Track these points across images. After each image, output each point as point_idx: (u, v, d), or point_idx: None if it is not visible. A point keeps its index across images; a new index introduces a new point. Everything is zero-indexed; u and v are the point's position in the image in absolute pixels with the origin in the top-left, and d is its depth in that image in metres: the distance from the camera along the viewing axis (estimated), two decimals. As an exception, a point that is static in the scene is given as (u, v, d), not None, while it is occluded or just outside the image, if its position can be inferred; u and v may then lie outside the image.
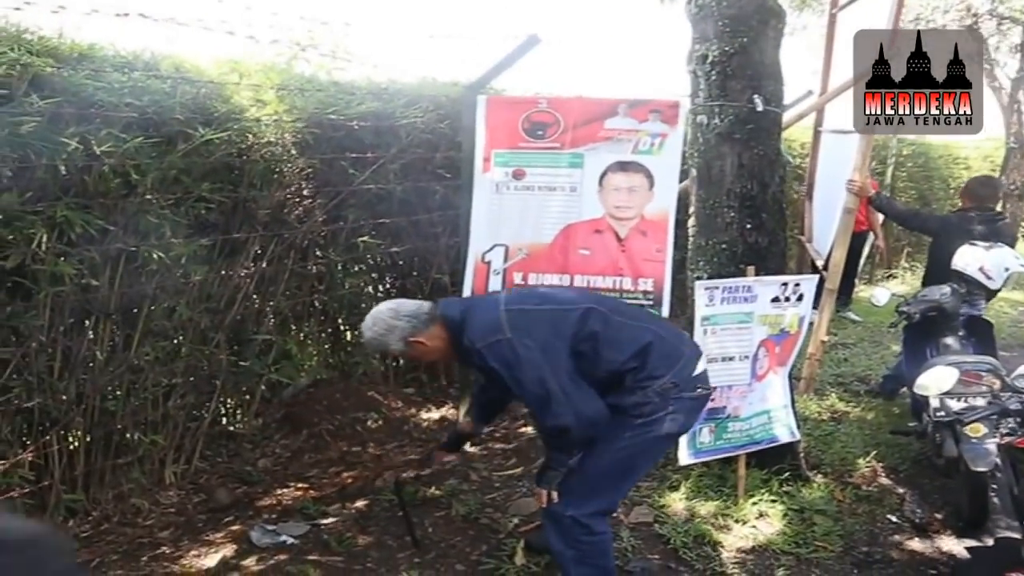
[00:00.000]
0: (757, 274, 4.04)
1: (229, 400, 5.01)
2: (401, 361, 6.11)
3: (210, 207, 4.16)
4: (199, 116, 3.95)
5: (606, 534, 3.07)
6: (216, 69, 4.28)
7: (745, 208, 4.15)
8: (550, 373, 2.78)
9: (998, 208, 6.24)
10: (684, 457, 4.07)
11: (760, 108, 4.02)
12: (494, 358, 2.81)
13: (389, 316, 2.98)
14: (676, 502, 4.21)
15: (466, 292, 4.22)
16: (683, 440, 4.03)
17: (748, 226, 4.16)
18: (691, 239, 4.36)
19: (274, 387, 5.20)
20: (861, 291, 9.74)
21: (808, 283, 4.16)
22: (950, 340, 4.82)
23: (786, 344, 4.21)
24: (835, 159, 6.11)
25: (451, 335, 2.96)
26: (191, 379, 4.44)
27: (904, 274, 11.40)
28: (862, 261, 9.58)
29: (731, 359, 4.01)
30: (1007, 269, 4.88)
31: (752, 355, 4.06)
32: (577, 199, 4.01)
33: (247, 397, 5.05)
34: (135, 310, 4.06)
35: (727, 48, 4.04)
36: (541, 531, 3.42)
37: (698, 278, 4.15)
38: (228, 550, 3.87)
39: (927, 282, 5.56)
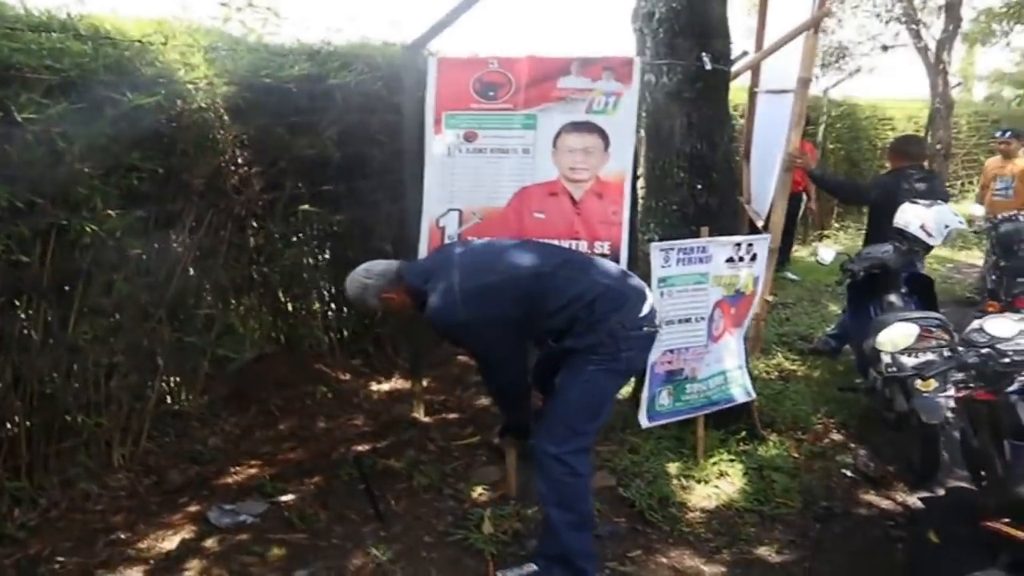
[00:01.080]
0: (710, 235, 4.02)
1: (174, 378, 4.81)
2: (346, 333, 5.99)
3: (142, 177, 3.93)
4: (125, 81, 3.70)
5: (585, 476, 3.22)
6: (139, 30, 4.03)
7: (695, 168, 4.12)
8: (489, 350, 3.25)
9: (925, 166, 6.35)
10: (644, 420, 4.06)
11: (709, 66, 3.99)
12: (450, 333, 3.29)
13: (362, 275, 3.36)
14: (637, 465, 4.21)
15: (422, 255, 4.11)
16: (642, 404, 4.03)
17: (699, 187, 4.14)
18: (641, 201, 4.31)
19: (219, 363, 5.01)
20: (796, 251, 9.90)
21: (761, 243, 4.17)
22: (893, 297, 4.89)
23: (741, 305, 4.21)
24: (770, 120, 6.12)
25: (415, 300, 3.28)
26: (133, 357, 4.24)
27: (837, 234, 11.64)
28: (797, 222, 9.71)
29: (688, 320, 4.01)
30: (947, 226, 4.95)
31: (708, 316, 4.05)
32: (531, 161, 3.91)
33: (192, 374, 4.86)
34: (70, 287, 3.83)
35: (674, 4, 3.97)
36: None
37: (649, 240, 4.12)
38: (187, 532, 3.74)
39: (868, 241, 5.64)
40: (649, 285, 3.81)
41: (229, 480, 4.28)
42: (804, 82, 4.62)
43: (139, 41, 3.84)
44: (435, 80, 4.08)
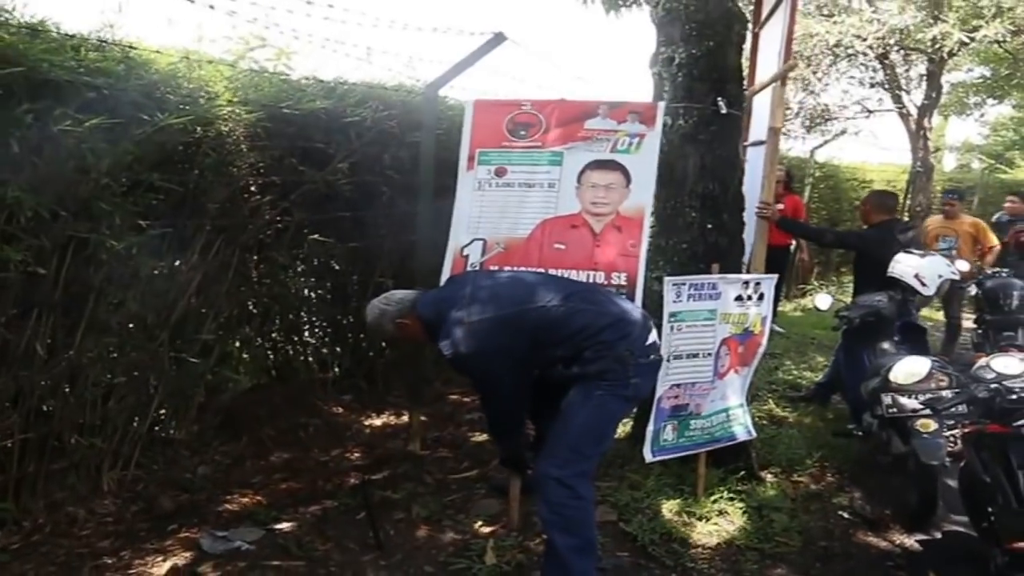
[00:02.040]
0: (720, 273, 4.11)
1: (166, 405, 4.78)
2: (339, 367, 5.99)
3: (160, 198, 3.98)
4: (153, 103, 3.77)
5: (588, 500, 3.23)
6: (167, 58, 4.11)
7: (707, 208, 4.22)
8: (495, 383, 3.32)
9: None
10: (648, 455, 4.09)
11: (724, 110, 4.10)
12: (457, 363, 3.29)
13: (382, 303, 3.51)
14: (638, 501, 4.22)
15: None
16: (647, 438, 4.06)
17: (709, 226, 4.23)
18: (650, 239, 4.39)
19: (212, 391, 4.99)
20: (781, 306, 10.02)
21: (768, 283, 4.25)
22: (886, 345, 4.99)
23: (750, 344, 4.28)
24: (754, 172, 6.25)
25: (426, 330, 3.40)
26: (133, 379, 4.22)
27: (818, 291, 11.78)
28: (785, 275, 9.84)
29: (695, 356, 4.07)
30: (940, 276, 5.09)
31: (715, 352, 4.11)
32: (555, 195, 4.03)
33: (185, 402, 4.83)
34: (81, 303, 3.83)
35: (694, 51, 4.12)
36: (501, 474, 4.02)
37: (656, 278, 4.18)
38: (178, 559, 3.68)
39: (857, 291, 5.75)
40: (659, 320, 3.89)
41: (221, 508, 4.23)
42: (774, 131, 4.72)
43: (175, 63, 3.91)
44: (471, 120, 4.25)
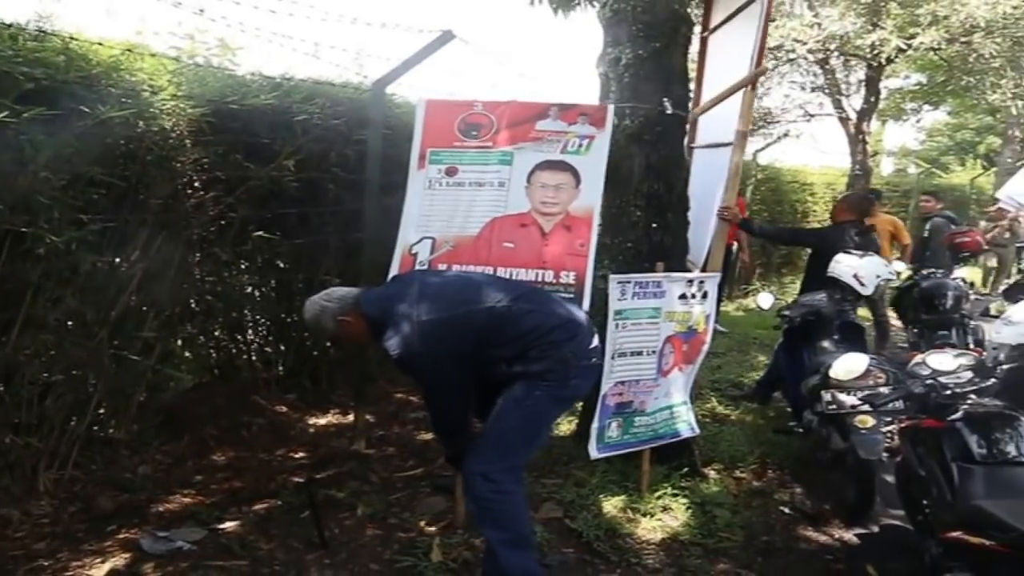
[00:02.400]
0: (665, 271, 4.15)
1: (106, 404, 4.68)
2: (283, 367, 5.93)
3: (101, 192, 3.90)
4: (94, 96, 3.70)
5: (515, 494, 3.24)
6: (106, 52, 4.03)
7: (652, 208, 4.27)
8: (440, 382, 3.30)
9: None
10: (593, 452, 4.13)
11: (670, 111, 4.15)
12: (403, 362, 3.24)
13: (322, 299, 3.42)
14: (584, 498, 4.27)
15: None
16: (592, 435, 4.10)
17: (654, 225, 4.29)
18: (595, 237, 4.43)
19: (153, 390, 4.90)
20: (724, 305, 10.17)
21: (711, 281, 4.31)
22: (826, 343, 5.10)
23: (694, 342, 4.35)
24: (706, 173, 6.34)
25: (371, 328, 3.32)
26: (72, 377, 4.13)
27: (760, 291, 11.98)
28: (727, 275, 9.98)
29: (639, 354, 4.13)
30: (878, 276, 5.22)
31: (659, 350, 4.16)
32: (504, 194, 4.05)
33: (125, 401, 4.73)
34: (18, 298, 3.74)
35: (640, 52, 4.17)
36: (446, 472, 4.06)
37: (602, 276, 4.22)
38: (117, 560, 3.62)
39: (806, 289, 5.86)
40: (605, 317, 3.92)
41: (161, 508, 4.16)
42: (742, 135, 4.81)
43: (114, 57, 3.84)
44: (423, 120, 4.25)
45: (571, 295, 3.82)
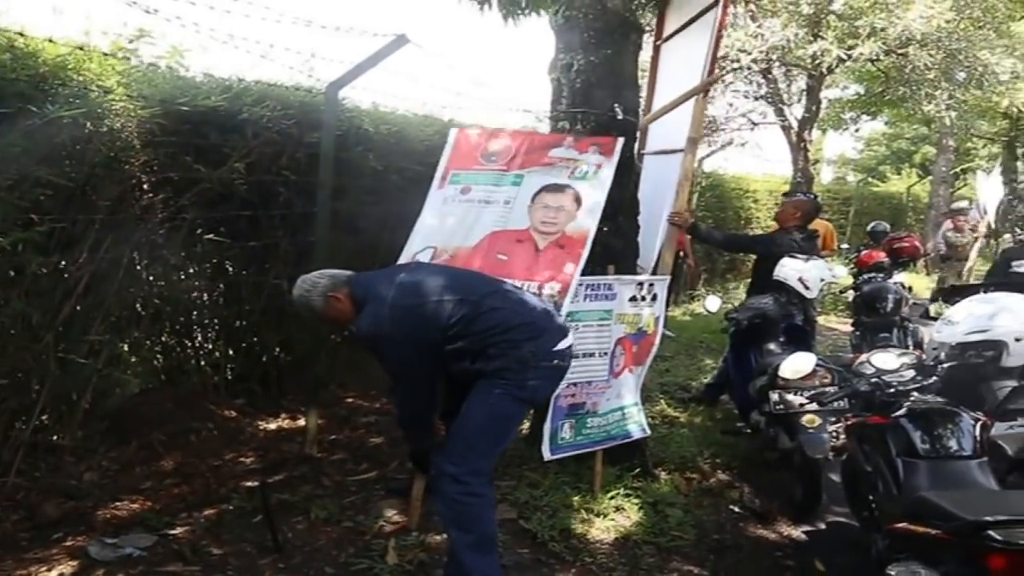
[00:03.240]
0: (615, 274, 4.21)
1: (50, 409, 4.57)
2: (232, 371, 5.86)
3: (48, 193, 3.82)
4: (41, 95, 3.64)
5: (484, 497, 3.28)
6: (54, 51, 3.96)
7: (603, 212, 4.30)
8: (405, 369, 3.36)
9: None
10: (546, 453, 4.17)
11: (620, 116, 4.21)
12: (372, 343, 3.35)
13: (315, 276, 3.48)
14: (537, 499, 4.32)
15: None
16: (544, 436, 4.14)
17: (605, 229, 4.34)
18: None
19: (99, 395, 4.81)
20: (670, 310, 10.29)
21: (661, 284, 4.39)
22: (772, 346, 5.22)
23: (643, 344, 4.42)
24: (656, 179, 6.43)
25: (355, 308, 3.38)
26: (16, 381, 4.03)
27: (707, 295, 12.16)
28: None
29: (591, 355, 4.19)
30: (822, 280, 5.36)
31: (610, 352, 4.22)
32: (508, 211, 4.19)
33: (71, 406, 4.64)
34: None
35: (592, 58, 4.24)
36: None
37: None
38: (64, 567, 3.55)
39: (751, 294, 5.98)
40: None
41: (109, 515, 4.08)
42: (693, 141, 4.91)
43: (62, 56, 3.78)
44: (451, 146, 4.56)
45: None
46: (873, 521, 3.55)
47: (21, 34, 3.66)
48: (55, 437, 4.56)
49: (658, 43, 6.81)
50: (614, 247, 4.41)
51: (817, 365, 4.54)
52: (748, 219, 14.96)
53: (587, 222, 4.06)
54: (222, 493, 4.36)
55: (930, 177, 21.23)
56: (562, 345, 3.36)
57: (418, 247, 4.23)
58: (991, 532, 2.59)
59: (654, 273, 5.19)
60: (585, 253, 3.99)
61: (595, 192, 4.11)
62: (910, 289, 8.48)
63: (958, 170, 24.09)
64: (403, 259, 4.23)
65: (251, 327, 5.75)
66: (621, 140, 4.24)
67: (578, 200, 4.11)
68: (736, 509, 4.58)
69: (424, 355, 3.28)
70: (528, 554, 3.85)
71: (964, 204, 11.73)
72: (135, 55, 4.46)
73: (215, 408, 5.47)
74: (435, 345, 3.27)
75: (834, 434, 4.35)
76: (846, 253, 11.04)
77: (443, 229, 4.26)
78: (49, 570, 3.52)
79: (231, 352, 5.90)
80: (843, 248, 11.30)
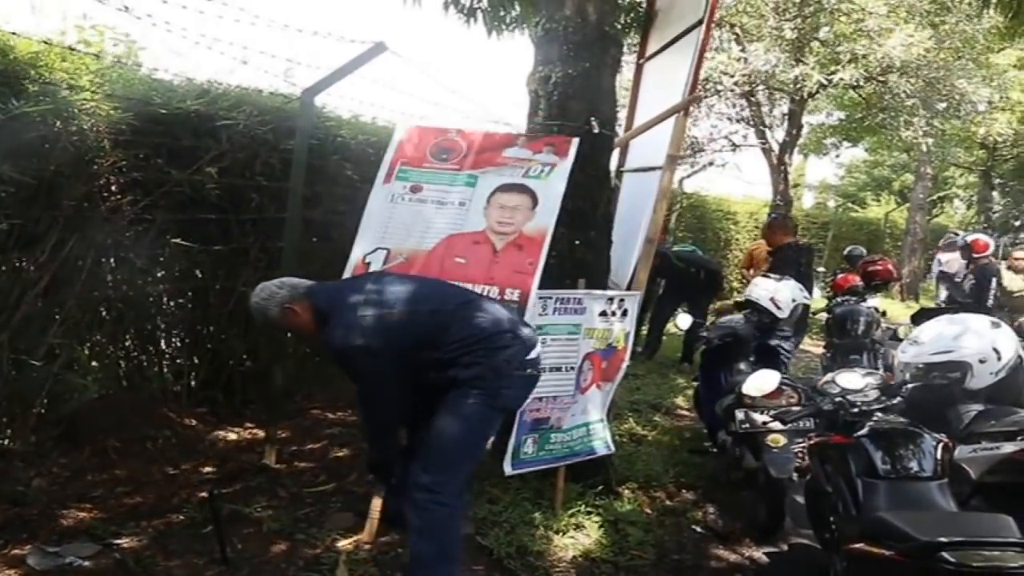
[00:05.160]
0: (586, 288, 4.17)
1: (2, 411, 4.47)
2: (195, 379, 5.76)
3: (10, 190, 3.75)
4: (8, 91, 3.58)
5: (453, 507, 3.23)
6: (27, 46, 3.90)
7: (576, 225, 4.30)
8: (377, 380, 3.27)
9: None
10: (508, 468, 4.10)
11: (597, 130, 4.20)
12: (341, 356, 3.27)
13: (275, 286, 3.40)
14: (496, 515, 4.24)
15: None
16: (507, 451, 4.07)
17: (577, 242, 4.32)
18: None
19: (55, 399, 4.71)
20: (643, 330, 10.26)
21: (632, 299, 4.34)
22: (742, 365, 5.19)
23: (613, 360, 4.37)
24: (635, 197, 6.42)
25: (315, 320, 3.32)
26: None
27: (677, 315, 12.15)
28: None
29: (559, 370, 4.13)
30: (794, 300, 5.33)
31: (577, 367, 4.17)
32: (464, 213, 4.11)
33: (24, 409, 4.53)
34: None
35: (570, 71, 4.23)
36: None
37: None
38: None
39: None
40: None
41: (55, 523, 3.97)
42: (672, 159, 4.88)
43: (33, 53, 3.73)
44: (399, 139, 4.41)
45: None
46: (834, 543, 3.51)
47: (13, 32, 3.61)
48: (5, 441, 4.46)
49: (641, 62, 6.81)
50: (586, 261, 4.38)
51: (783, 384, 4.52)
52: (728, 240, 15.02)
53: (545, 220, 4.01)
54: (174, 503, 4.25)
55: (907, 204, 21.40)
56: (533, 355, 3.36)
57: (367, 248, 4.14)
58: (944, 554, 2.58)
59: (629, 284, 5.16)
60: (543, 252, 3.94)
61: (551, 190, 4.06)
62: (884, 313, 8.50)
63: (935, 197, 24.29)
64: (352, 260, 4.15)
65: (217, 334, 5.67)
66: (576, 140, 4.19)
67: (534, 199, 4.06)
68: (698, 529, 4.53)
69: (396, 366, 3.23)
70: (482, 571, 3.79)
71: (953, 237, 11.52)
72: (101, 52, 4.40)
73: (175, 416, 5.36)
74: (407, 355, 3.22)
75: (799, 454, 4.32)
76: (822, 277, 11.11)
77: (395, 230, 4.17)
78: (-15, 578, 3.42)
79: (195, 359, 5.81)
80: (819, 271, 11.36)
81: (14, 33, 3.84)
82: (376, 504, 3.86)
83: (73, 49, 4.16)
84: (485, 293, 3.85)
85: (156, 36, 4.55)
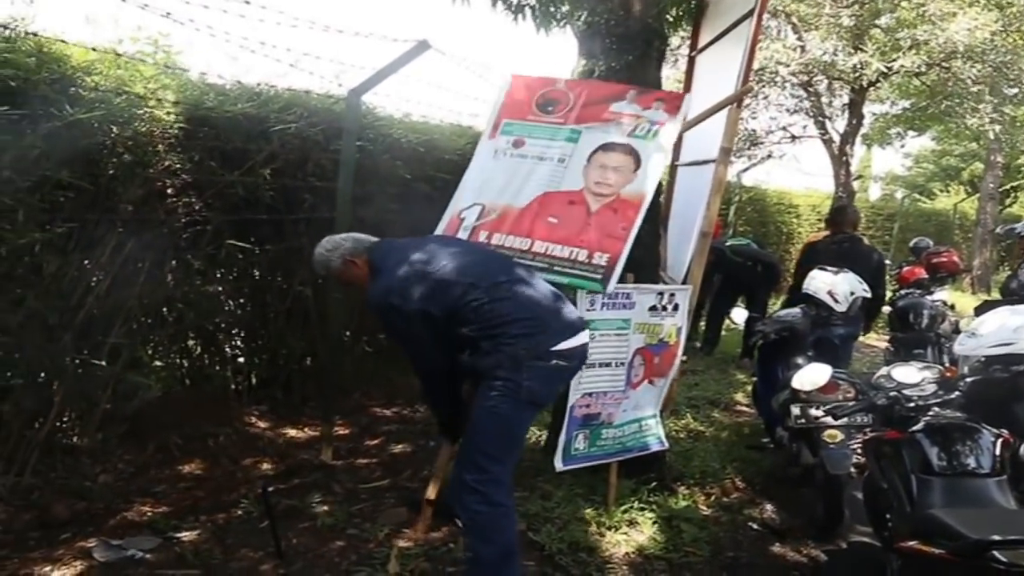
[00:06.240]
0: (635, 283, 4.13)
1: (69, 410, 4.61)
2: (255, 378, 5.87)
3: (69, 195, 3.86)
4: (65, 97, 3.68)
5: (503, 507, 3.18)
6: (83, 55, 4.01)
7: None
8: (411, 335, 3.31)
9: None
10: (559, 464, 4.08)
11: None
12: (378, 312, 3.35)
13: (340, 237, 3.55)
14: (549, 511, 4.24)
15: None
16: (558, 447, 4.05)
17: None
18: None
19: (119, 398, 4.84)
20: (702, 324, 10.14)
21: (683, 294, 4.29)
22: (800, 360, 5.07)
23: (665, 355, 4.30)
24: (690, 191, 6.34)
25: (371, 275, 3.40)
26: (32, 381, 4.06)
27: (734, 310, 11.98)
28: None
29: (608, 365, 4.09)
30: (852, 293, 5.21)
31: (628, 362, 4.13)
32: (562, 170, 4.03)
33: (90, 407, 4.66)
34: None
35: (613, 64, 4.19)
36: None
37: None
38: (68, 568, 3.56)
39: (788, 305, 5.87)
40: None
41: (119, 517, 4.10)
42: (726, 151, 4.80)
43: (88, 61, 3.85)
44: (505, 92, 4.40)
45: (598, 276, 3.74)
46: (889, 540, 3.42)
47: (49, 39, 3.70)
48: (73, 438, 4.59)
49: (693, 54, 6.73)
50: (634, 255, 4.31)
51: (839, 378, 4.41)
52: (790, 234, 14.75)
53: (645, 185, 3.89)
54: (233, 498, 4.35)
55: (978, 194, 20.75)
56: (566, 345, 3.22)
57: (466, 203, 4.12)
58: (995, 552, 2.47)
59: (685, 279, 5.10)
60: (639, 218, 3.82)
61: (655, 152, 3.95)
62: (952, 307, 8.28)
63: (1008, 187, 23.52)
64: (448, 214, 4.14)
65: (275, 332, 5.76)
66: (688, 96, 4.10)
67: (637, 160, 3.94)
68: (755, 526, 4.45)
69: (426, 328, 3.23)
70: (534, 567, 3.77)
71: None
72: (152, 58, 4.51)
73: (236, 414, 5.48)
74: (439, 324, 3.22)
75: (857, 450, 4.22)
76: (888, 270, 10.81)
77: (492, 185, 4.11)
78: (53, 570, 3.54)
79: (255, 358, 5.93)
80: (886, 264, 11.07)
81: (67, 42, 3.94)
82: (431, 491, 3.88)
83: (126, 55, 4.25)
84: (572, 255, 3.80)
85: (210, 42, 4.61)
